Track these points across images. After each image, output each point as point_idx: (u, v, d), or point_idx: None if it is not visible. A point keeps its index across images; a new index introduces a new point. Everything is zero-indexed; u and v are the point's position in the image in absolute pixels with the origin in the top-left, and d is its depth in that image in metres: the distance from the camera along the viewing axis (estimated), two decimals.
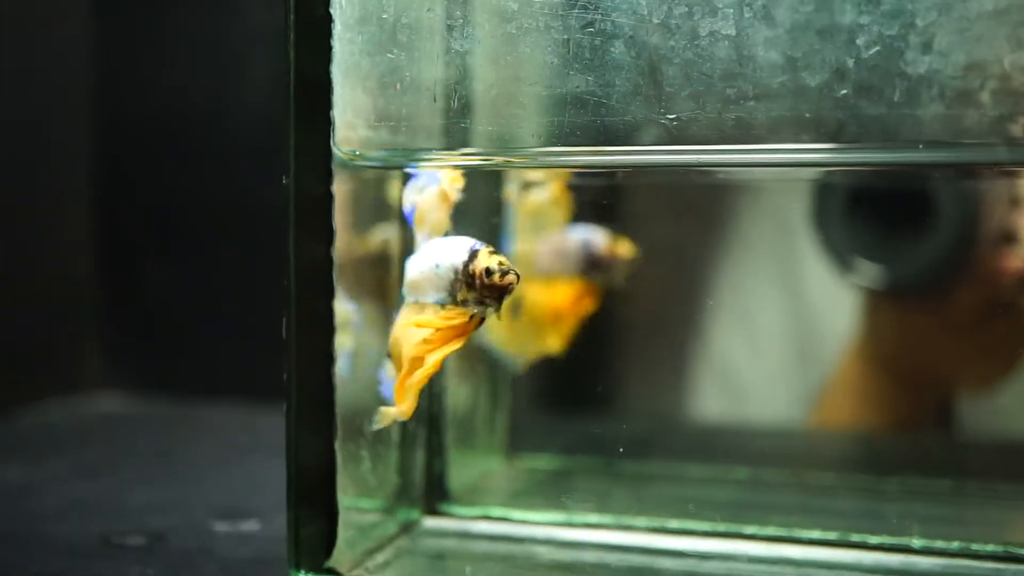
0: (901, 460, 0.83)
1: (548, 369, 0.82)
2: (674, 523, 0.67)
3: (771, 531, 0.66)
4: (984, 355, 0.85)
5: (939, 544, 0.63)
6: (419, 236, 0.57)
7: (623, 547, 0.65)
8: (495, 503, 0.72)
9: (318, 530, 0.58)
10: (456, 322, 0.54)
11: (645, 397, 0.93)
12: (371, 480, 0.63)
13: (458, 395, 0.73)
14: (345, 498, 0.59)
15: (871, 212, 0.83)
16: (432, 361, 0.54)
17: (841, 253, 0.85)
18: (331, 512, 0.58)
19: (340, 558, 0.58)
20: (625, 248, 0.73)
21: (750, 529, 0.65)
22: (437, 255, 0.55)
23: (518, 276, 0.53)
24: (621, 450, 0.74)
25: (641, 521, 0.67)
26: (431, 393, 0.69)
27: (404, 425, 0.67)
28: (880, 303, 0.86)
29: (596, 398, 0.81)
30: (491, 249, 0.54)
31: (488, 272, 0.53)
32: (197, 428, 1.09)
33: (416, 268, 0.55)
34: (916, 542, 0.63)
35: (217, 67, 1.22)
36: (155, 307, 1.23)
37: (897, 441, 0.89)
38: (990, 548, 0.63)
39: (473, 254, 0.54)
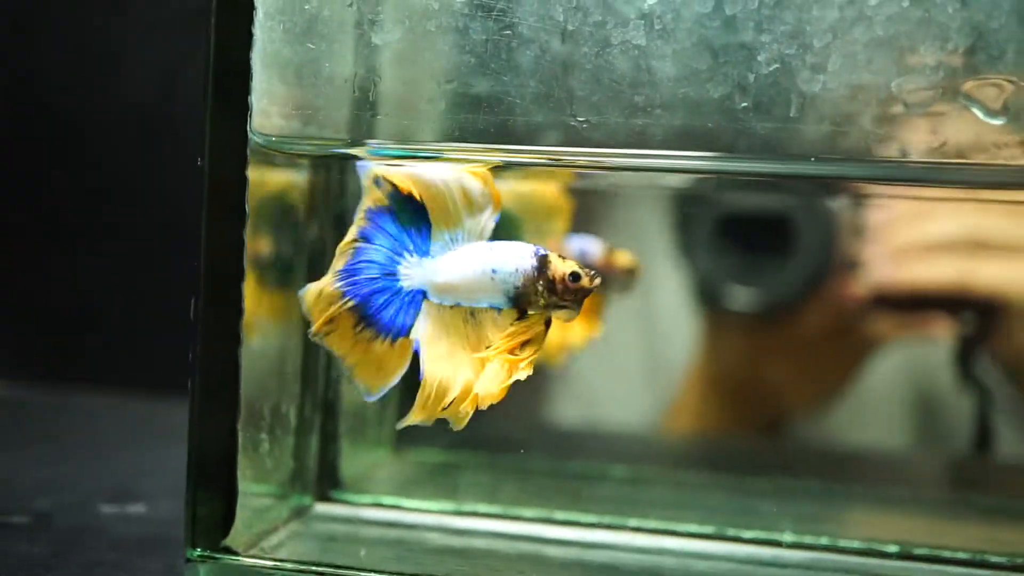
0: (766, 461, 0.87)
1: None
2: (560, 514, 0.69)
3: (652, 524, 0.68)
4: (819, 376, 0.89)
5: (808, 539, 0.67)
6: (441, 234, 0.56)
7: (511, 535, 0.67)
8: (385, 492, 0.73)
9: (216, 510, 0.59)
10: (536, 330, 0.54)
11: (523, 401, 0.95)
12: (268, 464, 0.64)
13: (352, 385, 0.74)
14: (244, 480, 0.60)
15: (735, 237, 0.87)
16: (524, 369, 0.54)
17: (706, 275, 0.88)
18: (230, 493, 0.59)
19: (237, 538, 0.59)
20: (624, 259, 0.72)
21: (632, 522, 0.68)
22: (488, 261, 0.54)
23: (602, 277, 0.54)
24: (522, 450, 0.76)
25: (529, 512, 0.69)
26: (328, 379, 0.70)
27: (301, 411, 0.68)
28: (730, 321, 0.90)
29: None
30: (557, 253, 0.54)
31: (575, 276, 0.53)
32: (85, 416, 1.07)
33: (461, 273, 0.55)
34: (787, 537, 0.67)
35: (102, 60, 1.21)
36: (44, 296, 1.21)
37: (761, 443, 0.93)
38: (855, 544, 0.66)
39: (544, 260, 0.54)
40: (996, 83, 0.53)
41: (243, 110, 0.58)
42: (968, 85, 0.53)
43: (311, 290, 0.55)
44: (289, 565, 0.58)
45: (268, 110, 0.59)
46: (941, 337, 0.86)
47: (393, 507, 0.71)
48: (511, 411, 0.92)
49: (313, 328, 0.55)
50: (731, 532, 0.68)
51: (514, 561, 0.63)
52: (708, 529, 0.68)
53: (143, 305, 1.02)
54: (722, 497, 0.78)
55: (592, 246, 0.71)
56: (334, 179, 0.69)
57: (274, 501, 0.65)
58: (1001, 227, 0.82)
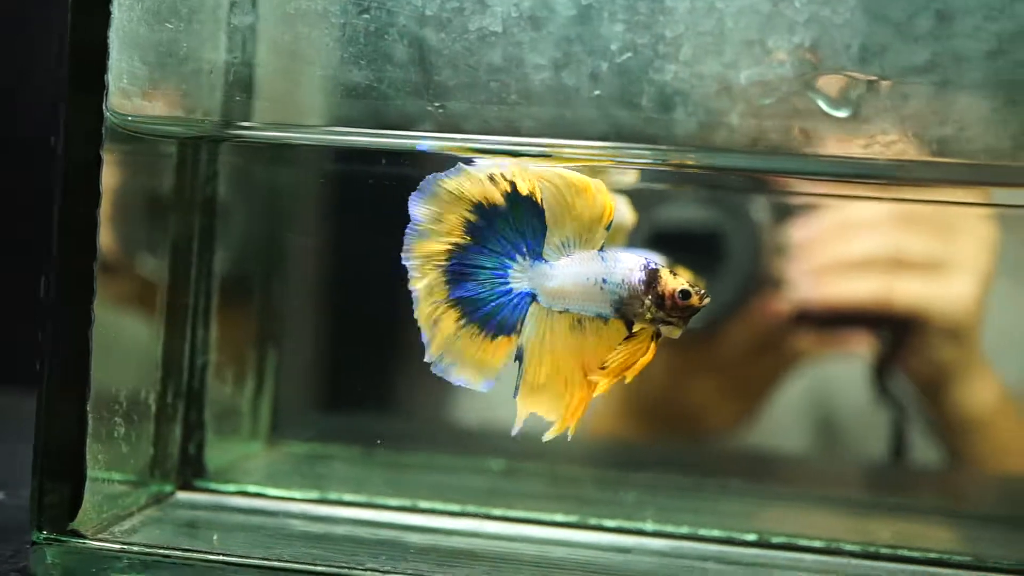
0: (644, 459, 0.88)
1: (314, 364, 0.84)
2: (424, 503, 0.69)
3: (516, 513, 0.69)
4: (736, 391, 0.90)
5: (669, 528, 0.68)
6: (552, 238, 0.55)
7: (374, 522, 0.67)
8: (252, 481, 0.73)
9: (64, 494, 0.58)
10: (644, 347, 0.54)
11: (409, 395, 0.95)
12: (124, 450, 0.63)
13: (224, 374, 0.74)
14: (96, 465, 0.59)
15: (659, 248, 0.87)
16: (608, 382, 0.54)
17: None
18: (79, 477, 0.58)
19: (86, 522, 0.58)
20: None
21: (497, 511, 0.68)
22: (601, 270, 0.54)
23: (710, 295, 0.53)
24: (379, 441, 0.76)
25: (393, 501, 0.70)
26: (192, 368, 0.69)
27: (162, 399, 0.67)
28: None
29: (357, 394, 0.83)
30: (669, 268, 0.54)
31: (684, 294, 0.53)
32: None
33: (573, 280, 0.54)
34: (649, 525, 0.68)
35: None
36: None
37: (641, 444, 0.94)
38: (715, 533, 0.67)
39: (653, 274, 0.53)
40: (842, 76, 0.54)
41: (99, 89, 0.57)
42: (814, 77, 0.54)
43: (420, 287, 0.55)
44: (136, 548, 0.57)
45: (127, 90, 0.59)
46: (860, 353, 0.87)
47: (258, 495, 0.70)
48: (413, 408, 0.93)
49: (419, 322, 0.55)
50: (593, 521, 0.69)
51: (372, 546, 0.63)
52: (572, 518, 0.69)
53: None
54: (591, 489, 0.79)
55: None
56: (202, 162, 0.69)
57: (130, 487, 0.64)
58: (920, 245, 0.84)
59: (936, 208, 0.84)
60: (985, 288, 0.83)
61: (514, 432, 0.55)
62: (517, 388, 0.55)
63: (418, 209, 0.54)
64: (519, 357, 0.55)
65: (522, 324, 0.55)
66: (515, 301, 0.55)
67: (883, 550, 0.65)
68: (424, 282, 0.55)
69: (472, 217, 0.54)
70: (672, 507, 0.75)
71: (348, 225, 0.83)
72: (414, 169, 0.73)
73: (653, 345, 0.54)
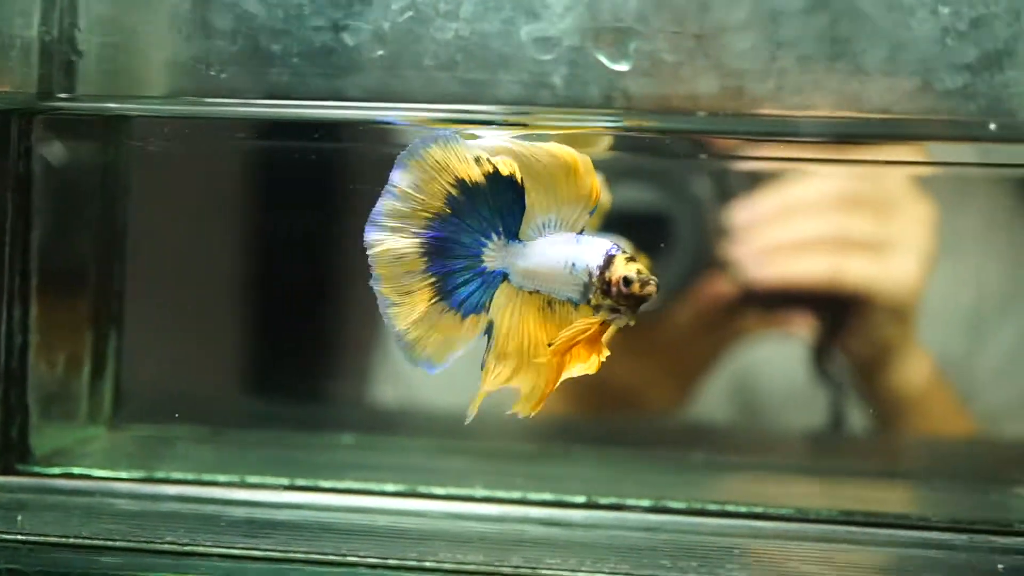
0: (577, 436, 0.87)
1: (163, 345, 0.83)
2: (254, 479, 0.69)
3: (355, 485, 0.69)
4: (674, 372, 0.90)
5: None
6: (534, 218, 0.53)
7: (200, 499, 0.67)
8: (87, 464, 0.72)
9: None
10: (591, 331, 0.51)
11: (259, 374, 0.93)
12: None
13: (52, 356, 0.73)
14: None
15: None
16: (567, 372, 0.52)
17: None
18: None
19: None
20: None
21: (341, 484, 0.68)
22: (572, 253, 0.52)
23: (658, 285, 0.51)
24: (176, 415, 0.75)
25: (223, 477, 0.69)
26: (11, 350, 0.68)
27: None
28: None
29: (206, 374, 0.83)
30: (628, 255, 0.51)
31: (627, 281, 0.50)
32: None
33: (544, 261, 0.52)
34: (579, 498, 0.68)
35: None
36: None
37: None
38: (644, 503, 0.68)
39: (609, 259, 0.51)
40: (618, 30, 0.54)
41: None
42: (593, 33, 0.54)
43: (384, 251, 0.53)
44: None
45: None
46: (802, 333, 0.87)
47: (84, 477, 0.69)
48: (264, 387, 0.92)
49: (383, 292, 0.53)
50: (423, 489, 0.69)
51: (188, 521, 0.62)
52: (401, 488, 0.69)
53: None
54: (436, 459, 0.79)
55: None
56: (12, 137, 0.67)
57: None
58: (863, 226, 0.84)
59: (878, 187, 0.84)
60: (927, 268, 0.83)
61: (469, 418, 0.53)
62: (483, 364, 0.53)
63: (401, 173, 0.52)
64: (488, 332, 0.53)
65: (491, 303, 0.54)
66: (487, 280, 0.54)
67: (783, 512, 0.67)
68: (392, 247, 0.53)
69: (454, 191, 0.53)
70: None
71: (194, 201, 0.82)
72: (256, 141, 0.73)
73: (597, 328, 0.51)
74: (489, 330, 0.54)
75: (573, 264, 0.52)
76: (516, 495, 0.69)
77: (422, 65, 0.55)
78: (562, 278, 0.52)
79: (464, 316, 0.54)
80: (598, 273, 0.51)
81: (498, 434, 0.81)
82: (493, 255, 0.54)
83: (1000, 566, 0.60)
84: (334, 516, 0.65)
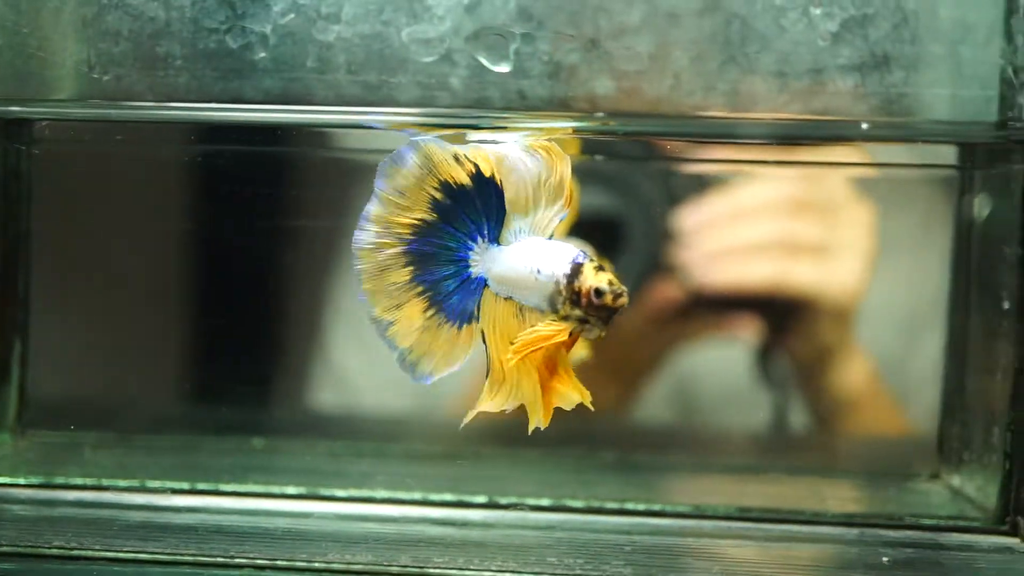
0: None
1: (70, 352, 0.82)
2: (154, 483, 0.69)
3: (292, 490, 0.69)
4: (618, 375, 0.90)
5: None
6: (512, 221, 0.52)
7: (99, 504, 0.66)
8: None
9: None
10: (556, 339, 0.49)
11: (168, 380, 0.93)
12: None
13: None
14: None
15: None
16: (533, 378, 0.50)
17: None
18: None
19: None
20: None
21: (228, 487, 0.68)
22: (537, 259, 0.50)
23: (628, 295, 0.49)
24: (72, 427, 0.75)
25: (123, 482, 0.69)
26: None
27: None
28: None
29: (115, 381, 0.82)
30: (596, 264, 0.49)
31: (598, 292, 0.48)
32: None
33: (513, 267, 0.51)
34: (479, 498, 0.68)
35: None
36: None
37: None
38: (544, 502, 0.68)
39: (576, 268, 0.49)
40: (499, 33, 0.55)
41: None
42: (471, 35, 0.55)
43: (370, 264, 0.52)
44: None
45: None
46: (747, 336, 0.88)
47: None
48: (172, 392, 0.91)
49: (376, 312, 0.52)
50: (324, 492, 0.69)
51: (78, 525, 0.62)
52: (302, 490, 0.69)
53: None
54: (343, 463, 0.79)
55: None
56: None
57: None
58: (809, 230, 0.84)
59: (821, 190, 0.85)
60: (870, 272, 0.84)
61: (465, 421, 0.52)
62: (487, 370, 0.52)
63: (387, 178, 0.51)
64: (484, 342, 0.52)
65: (479, 311, 0.52)
66: (473, 286, 0.52)
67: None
68: (379, 258, 0.52)
69: (439, 195, 0.51)
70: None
71: (99, 206, 0.82)
72: (161, 144, 0.72)
73: (565, 342, 0.50)
74: (484, 339, 0.52)
75: (538, 270, 0.50)
76: (417, 496, 0.69)
77: (309, 67, 0.55)
78: (530, 285, 0.50)
79: (460, 327, 0.53)
80: (565, 282, 0.49)
81: (418, 436, 0.82)
82: (477, 259, 0.52)
83: (885, 559, 0.61)
84: (231, 519, 0.65)
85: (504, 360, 0.51)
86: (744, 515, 0.68)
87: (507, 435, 0.76)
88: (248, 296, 0.83)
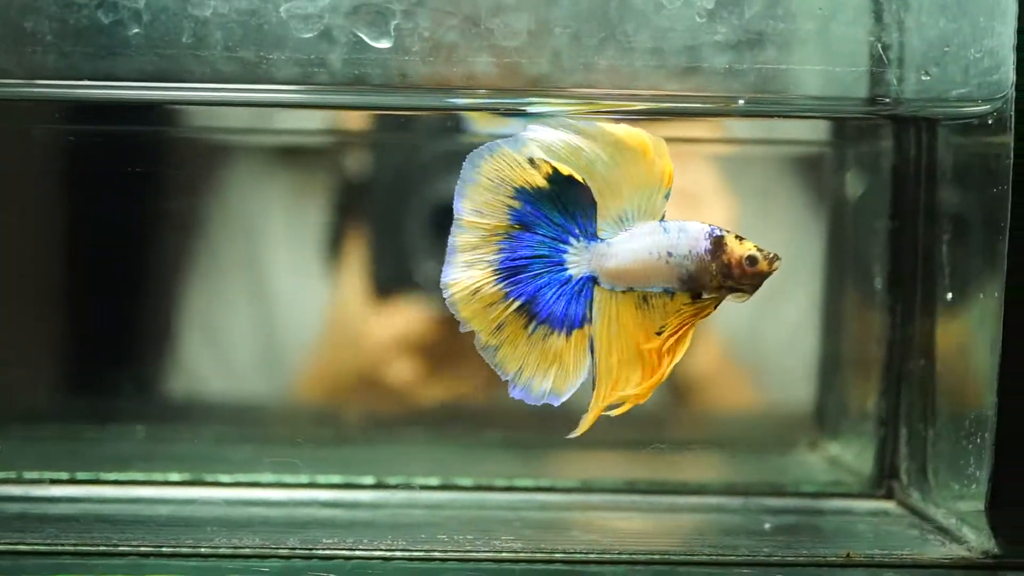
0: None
1: None
2: (32, 474, 0.67)
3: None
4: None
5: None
6: (608, 212, 0.50)
7: None
8: None
9: None
10: (706, 313, 0.50)
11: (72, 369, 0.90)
12: None
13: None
14: None
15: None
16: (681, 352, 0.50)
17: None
18: None
19: None
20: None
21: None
22: (664, 243, 0.50)
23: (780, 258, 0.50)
24: None
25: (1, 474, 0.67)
26: None
27: None
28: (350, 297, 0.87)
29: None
30: (734, 234, 0.50)
31: (751, 260, 0.50)
32: None
33: (636, 257, 0.50)
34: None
35: None
36: None
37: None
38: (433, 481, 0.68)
39: (719, 242, 0.50)
40: (380, 10, 0.54)
41: None
42: (351, 11, 0.54)
43: (461, 290, 0.49)
44: None
45: None
46: None
47: None
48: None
49: (482, 339, 0.50)
50: (208, 478, 0.68)
51: None
52: (186, 477, 0.68)
53: None
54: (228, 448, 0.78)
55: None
56: None
57: None
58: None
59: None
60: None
61: (576, 434, 0.51)
62: (593, 380, 0.50)
63: (462, 202, 0.49)
64: (591, 348, 0.51)
65: (591, 311, 0.51)
66: (577, 287, 0.51)
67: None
68: (467, 283, 0.50)
69: (517, 204, 0.50)
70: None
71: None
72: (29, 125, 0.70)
73: (714, 307, 0.51)
74: (590, 342, 0.51)
75: (669, 253, 0.50)
76: (304, 480, 0.68)
77: (185, 44, 0.54)
78: (659, 271, 0.50)
79: (568, 333, 0.51)
80: (710, 258, 0.50)
81: (300, 421, 0.81)
82: (577, 260, 0.51)
83: (767, 525, 0.63)
84: (113, 508, 0.64)
85: (643, 351, 0.50)
86: (630, 488, 0.68)
87: (393, 418, 0.77)
88: (124, 280, 0.81)
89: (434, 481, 0.69)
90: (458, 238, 0.50)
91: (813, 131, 0.77)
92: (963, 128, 0.61)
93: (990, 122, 0.57)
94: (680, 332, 0.51)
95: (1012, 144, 0.55)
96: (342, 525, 0.61)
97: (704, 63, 0.60)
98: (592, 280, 0.51)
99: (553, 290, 0.51)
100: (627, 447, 0.77)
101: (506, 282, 0.50)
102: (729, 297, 0.51)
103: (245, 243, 0.83)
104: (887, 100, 0.62)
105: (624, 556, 0.55)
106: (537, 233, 0.51)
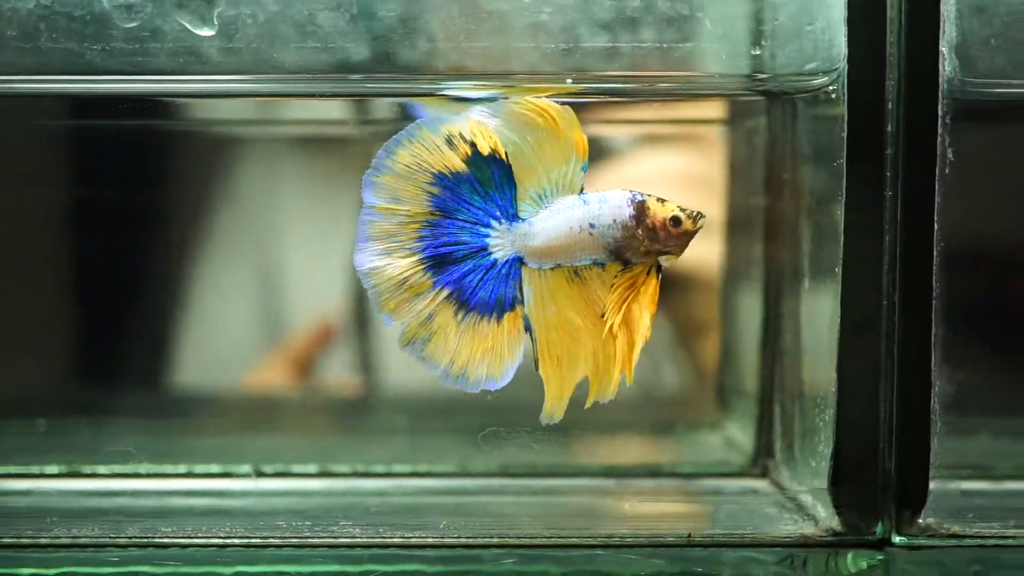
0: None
1: None
2: None
3: None
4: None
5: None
6: (526, 192, 0.50)
7: None
8: None
9: None
10: (639, 281, 0.50)
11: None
12: None
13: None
14: None
15: None
16: (647, 326, 0.50)
17: None
18: None
19: None
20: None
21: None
22: (587, 214, 0.50)
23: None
24: None
25: None
26: None
27: None
28: None
29: None
30: (655, 197, 0.50)
31: (675, 221, 0.50)
32: None
33: (559, 232, 0.50)
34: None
35: None
36: None
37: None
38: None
39: (641, 206, 0.50)
40: None
41: None
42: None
43: (385, 281, 0.49)
44: None
45: None
46: None
47: None
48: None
49: (405, 333, 0.49)
50: (87, 469, 0.68)
51: None
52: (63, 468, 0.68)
53: None
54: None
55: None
56: None
57: None
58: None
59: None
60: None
61: (551, 421, 0.50)
62: (536, 362, 0.50)
63: (372, 191, 0.48)
64: (528, 329, 0.50)
65: (521, 292, 0.50)
66: (504, 270, 0.50)
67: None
68: (391, 274, 0.49)
69: (435, 190, 0.49)
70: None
71: None
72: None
73: (656, 280, 0.51)
74: (527, 325, 0.50)
75: (592, 224, 0.50)
76: (182, 469, 0.69)
77: (8, 36, 0.54)
78: (583, 243, 0.50)
79: (499, 318, 0.50)
80: (635, 224, 0.50)
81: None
82: (500, 243, 0.50)
83: (627, 506, 0.62)
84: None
85: (565, 335, 0.50)
86: (505, 472, 0.68)
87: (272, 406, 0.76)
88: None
89: (312, 468, 0.69)
90: (369, 226, 0.49)
91: (698, 110, 0.76)
92: (813, 102, 0.60)
93: (833, 95, 0.57)
94: (622, 305, 0.50)
95: (846, 116, 0.55)
96: (193, 513, 0.62)
97: (581, 44, 0.60)
98: (519, 261, 0.50)
99: (479, 275, 0.50)
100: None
101: (432, 271, 0.50)
102: (661, 260, 0.51)
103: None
104: (761, 76, 0.61)
105: (460, 541, 0.55)
106: (457, 219, 0.50)
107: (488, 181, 0.50)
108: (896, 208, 0.55)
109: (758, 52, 0.57)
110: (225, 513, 0.64)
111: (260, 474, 0.66)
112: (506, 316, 0.50)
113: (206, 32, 0.55)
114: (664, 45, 0.60)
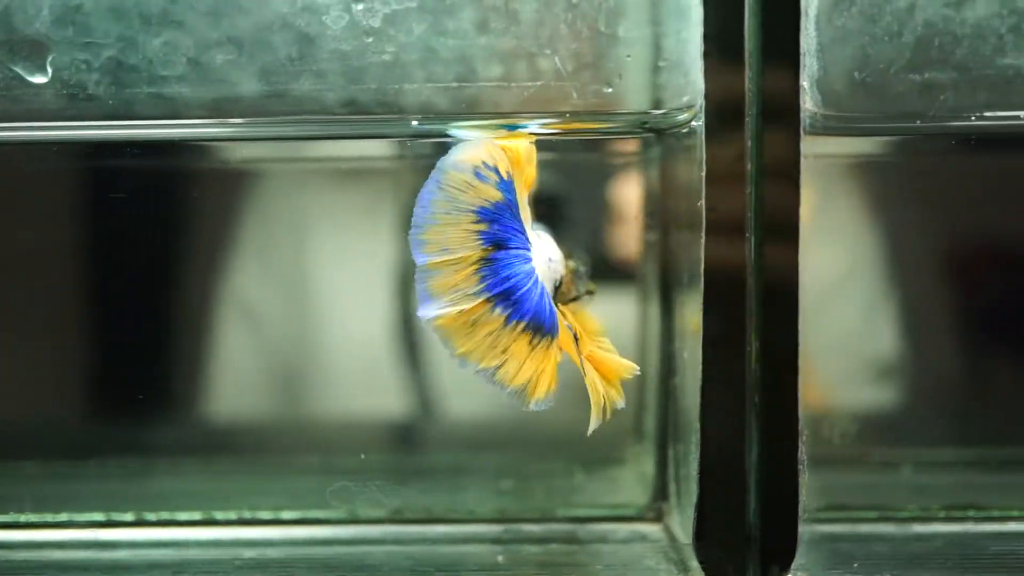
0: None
1: None
2: None
3: None
4: None
5: None
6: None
7: None
8: None
9: None
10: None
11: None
12: None
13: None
14: None
15: None
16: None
17: None
18: None
19: None
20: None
21: None
22: (546, 249, 0.50)
23: None
24: None
25: None
26: None
27: None
28: None
29: None
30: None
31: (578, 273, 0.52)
32: None
33: (542, 258, 0.49)
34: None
35: None
36: None
37: None
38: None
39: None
40: (33, 42, 0.53)
41: None
42: (8, 46, 0.53)
43: (459, 324, 0.48)
44: None
45: None
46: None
47: None
48: None
49: (481, 364, 0.48)
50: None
51: None
52: None
53: None
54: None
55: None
56: None
57: None
58: None
59: None
60: None
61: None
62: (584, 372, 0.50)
63: (420, 249, 0.47)
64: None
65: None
66: (543, 293, 0.49)
67: None
68: (465, 320, 0.47)
69: (481, 226, 0.47)
70: None
71: None
72: None
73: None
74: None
75: (550, 259, 0.50)
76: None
77: None
78: (544, 275, 0.49)
79: (553, 338, 0.49)
80: (564, 264, 0.51)
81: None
82: (536, 266, 0.50)
83: (500, 558, 0.60)
84: None
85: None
86: (396, 518, 0.66)
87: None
88: None
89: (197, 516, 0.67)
90: (428, 284, 0.48)
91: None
92: (681, 137, 0.58)
93: (694, 130, 0.55)
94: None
95: (703, 153, 0.53)
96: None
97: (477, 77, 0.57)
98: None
99: (541, 299, 0.48)
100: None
101: (501, 306, 0.48)
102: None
103: None
104: (656, 112, 0.59)
105: None
106: (511, 248, 0.48)
107: (515, 203, 0.49)
108: (761, 255, 0.53)
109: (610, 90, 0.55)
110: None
111: None
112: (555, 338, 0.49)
113: (40, 80, 0.53)
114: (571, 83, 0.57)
